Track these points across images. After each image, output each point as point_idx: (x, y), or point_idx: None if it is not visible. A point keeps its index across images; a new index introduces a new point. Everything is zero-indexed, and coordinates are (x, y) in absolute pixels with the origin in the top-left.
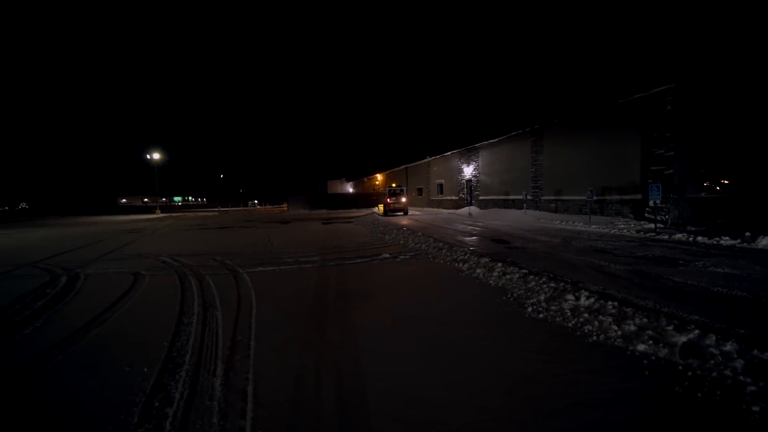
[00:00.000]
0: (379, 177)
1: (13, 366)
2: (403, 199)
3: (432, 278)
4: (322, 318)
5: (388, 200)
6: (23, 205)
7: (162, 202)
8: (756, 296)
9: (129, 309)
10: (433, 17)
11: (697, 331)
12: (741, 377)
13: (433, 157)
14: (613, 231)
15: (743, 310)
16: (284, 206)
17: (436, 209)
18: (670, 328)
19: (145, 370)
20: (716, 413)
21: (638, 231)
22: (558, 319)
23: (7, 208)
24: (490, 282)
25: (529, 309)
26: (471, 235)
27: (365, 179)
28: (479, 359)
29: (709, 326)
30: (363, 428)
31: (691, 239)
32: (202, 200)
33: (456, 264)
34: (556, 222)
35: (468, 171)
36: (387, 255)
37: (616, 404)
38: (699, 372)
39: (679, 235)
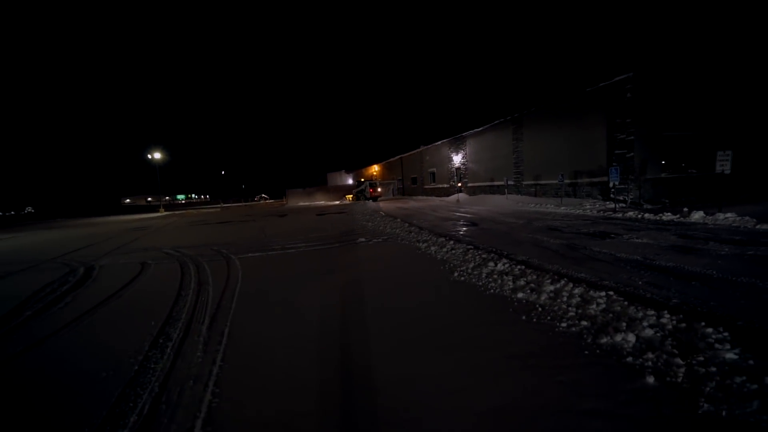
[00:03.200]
0: (376, 168)
1: (56, 326)
2: (380, 189)
3: (394, 255)
4: (290, 286)
5: (371, 190)
6: (29, 209)
7: (165, 200)
8: (645, 258)
9: (138, 288)
10: (426, 16)
11: (563, 282)
12: (571, 308)
13: (426, 147)
14: (577, 211)
15: (625, 268)
16: (284, 200)
17: (428, 197)
18: (548, 281)
19: (152, 323)
20: (538, 328)
21: (599, 211)
22: (473, 280)
23: (13, 212)
24: (438, 256)
25: (456, 274)
26: (449, 220)
27: (363, 170)
28: (403, 308)
29: (581, 279)
30: (297, 348)
31: (639, 216)
32: (205, 197)
33: (417, 244)
34: (532, 205)
35: (457, 159)
36: (363, 239)
37: (481, 326)
38: (547, 307)
39: (630, 213)
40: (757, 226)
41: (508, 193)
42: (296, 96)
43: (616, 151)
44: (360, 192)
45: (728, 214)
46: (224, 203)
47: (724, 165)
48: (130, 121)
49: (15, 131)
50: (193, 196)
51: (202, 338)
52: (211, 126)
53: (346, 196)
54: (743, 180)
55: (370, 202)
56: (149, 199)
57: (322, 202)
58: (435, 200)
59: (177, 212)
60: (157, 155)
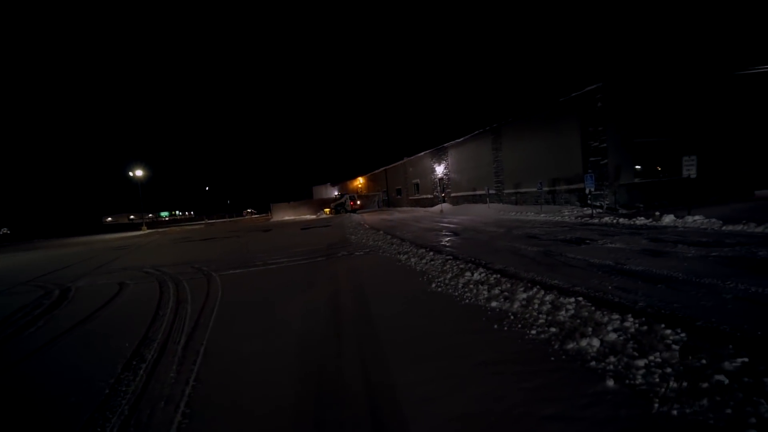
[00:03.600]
0: (361, 180)
1: (26, 351)
2: (359, 202)
3: (374, 267)
4: (270, 301)
5: (351, 203)
6: (4, 230)
7: (148, 218)
8: (617, 263)
9: (115, 309)
10: (406, 30)
11: (535, 290)
12: (541, 315)
13: (409, 158)
14: (556, 218)
15: (597, 273)
16: (269, 214)
17: (413, 208)
18: (521, 289)
19: (127, 345)
20: (509, 336)
21: (577, 217)
22: (450, 290)
23: None
24: (417, 268)
25: (433, 285)
26: (432, 230)
27: (348, 183)
28: (381, 320)
29: (554, 286)
30: (272, 363)
31: (615, 221)
32: (190, 214)
33: (398, 256)
34: (513, 213)
35: (439, 170)
36: (345, 252)
37: (455, 335)
38: (519, 315)
39: (606, 218)
40: (723, 228)
41: (490, 202)
42: (281, 110)
43: (591, 158)
44: (339, 205)
45: (696, 217)
46: (209, 219)
47: (690, 169)
48: (110, 137)
49: None
50: (177, 212)
51: (176, 358)
52: (194, 141)
53: (324, 210)
54: (712, 182)
55: (353, 215)
56: (131, 217)
57: (307, 216)
58: (419, 211)
59: (160, 230)
60: (139, 172)
